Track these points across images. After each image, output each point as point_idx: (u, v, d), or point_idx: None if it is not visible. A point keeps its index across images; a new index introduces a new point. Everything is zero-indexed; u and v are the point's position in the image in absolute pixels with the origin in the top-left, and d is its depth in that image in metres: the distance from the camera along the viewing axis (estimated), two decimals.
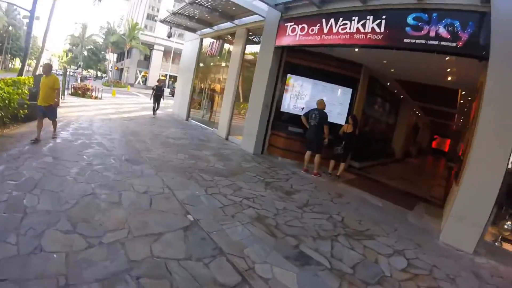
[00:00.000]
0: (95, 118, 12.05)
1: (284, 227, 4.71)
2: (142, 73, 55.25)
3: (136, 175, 5.92)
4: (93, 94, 21.41)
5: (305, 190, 6.91)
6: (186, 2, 11.09)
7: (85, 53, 66.77)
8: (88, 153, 6.96)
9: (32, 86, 12.54)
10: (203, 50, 15.42)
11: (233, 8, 10.82)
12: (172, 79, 53.30)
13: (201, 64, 15.43)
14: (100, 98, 21.16)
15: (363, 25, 7.13)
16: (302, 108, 9.88)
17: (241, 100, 12.00)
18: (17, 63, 61.69)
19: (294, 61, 9.93)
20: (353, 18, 7.34)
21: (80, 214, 4.06)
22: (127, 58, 53.02)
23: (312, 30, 8.32)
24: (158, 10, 54.16)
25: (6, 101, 8.85)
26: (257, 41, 11.83)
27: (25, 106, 9.93)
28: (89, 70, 78.00)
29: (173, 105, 17.95)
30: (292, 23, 9.01)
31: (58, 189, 4.68)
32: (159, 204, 4.78)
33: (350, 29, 7.41)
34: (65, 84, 18.19)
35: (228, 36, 13.50)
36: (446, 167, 18.53)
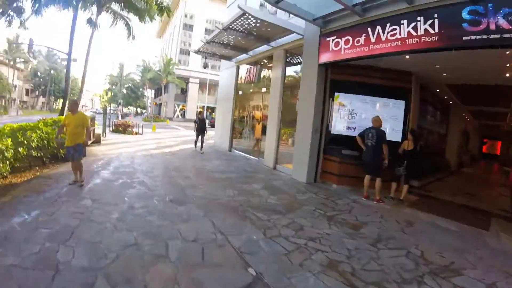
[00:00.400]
0: (136, 155, 11.89)
1: (362, 273, 3.95)
2: (180, 106, 56.92)
3: (182, 219, 5.32)
4: (134, 130, 21.87)
5: (372, 222, 6.01)
6: (219, 29, 10.83)
7: (124, 91, 70.49)
8: (130, 194, 6.54)
9: None
10: (241, 77, 15.16)
11: (268, 29, 10.40)
12: (210, 110, 54.58)
13: (240, 92, 15.11)
14: (140, 134, 21.50)
15: (415, 28, 6.35)
16: (354, 128, 9.09)
17: (286, 125, 11.36)
18: (60, 104, 65.98)
19: (340, 78, 9.22)
20: (402, 22, 6.60)
21: (120, 271, 3.47)
22: (164, 93, 55.05)
23: (358, 41, 7.64)
24: (190, 45, 56.18)
25: (45, 141, 8.81)
26: (296, 62, 11.33)
27: (65, 145, 9.84)
28: (129, 107, 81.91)
29: (214, 136, 17.68)
30: (334, 37, 8.39)
31: (96, 239, 4.17)
32: (212, 255, 4.09)
33: (400, 34, 6.64)
34: (106, 122, 18.59)
35: (264, 60, 13.17)
36: (502, 172, 17.79)
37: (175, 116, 56.26)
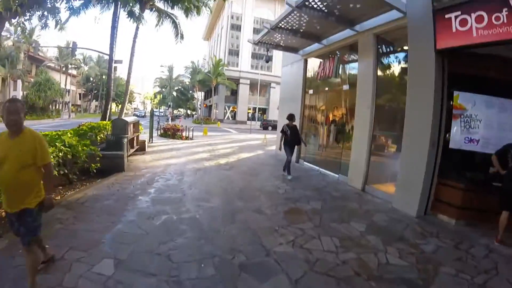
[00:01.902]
0: (186, 168, 9.66)
1: None
2: (231, 108, 55.51)
3: None
4: (184, 134, 19.91)
5: None
6: (291, 6, 8.10)
7: (174, 93, 70.54)
8: (175, 248, 4.14)
9: (109, 132, 10.80)
10: (310, 73, 12.36)
11: (357, 5, 7.63)
12: (261, 112, 52.50)
13: (311, 91, 12.25)
14: (191, 138, 19.57)
15: None
16: (477, 141, 6.25)
17: (380, 132, 8.53)
18: (113, 107, 67.77)
19: (460, 71, 6.45)
20: None
21: None
22: (214, 95, 54.08)
23: (498, 18, 5.04)
24: (237, 46, 54.98)
25: (69, 156, 6.70)
26: (391, 51, 8.59)
27: (97, 158, 7.78)
28: (179, 109, 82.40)
29: (277, 141, 15.01)
30: (458, 13, 5.68)
31: None
32: None
33: None
34: (152, 126, 16.71)
35: (337, 52, 10.36)
36: None
37: (226, 118, 55.08)
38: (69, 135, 8.19)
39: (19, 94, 41.88)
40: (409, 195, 6.62)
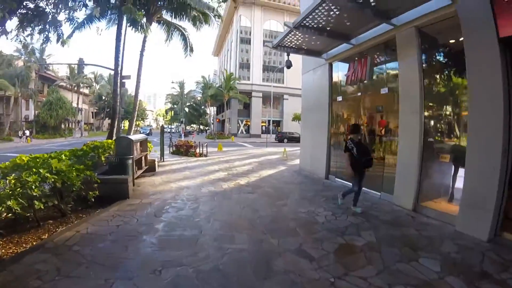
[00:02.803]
0: (201, 193, 8.28)
1: None
2: (244, 122, 54.44)
3: None
4: (197, 150, 18.64)
5: None
6: None
7: (186, 109, 69.99)
8: None
9: (111, 152, 9.54)
10: (336, 78, 10.96)
11: None
12: (275, 124, 51.17)
13: (339, 98, 10.81)
14: (205, 155, 18.25)
15: None
16: None
17: (429, 141, 7.12)
18: (126, 124, 67.61)
19: None
20: None
21: None
22: (227, 109, 53.14)
23: None
24: (248, 60, 54.29)
25: (58, 184, 5.43)
26: (436, 45, 7.33)
27: (95, 185, 6.50)
28: (192, 125, 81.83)
29: (300, 156, 13.53)
30: None
31: None
32: None
33: None
34: (163, 143, 15.45)
35: (369, 52, 8.97)
36: None
37: (239, 132, 53.84)
38: (64, 157, 6.97)
39: (31, 113, 42.03)
40: (477, 215, 5.35)
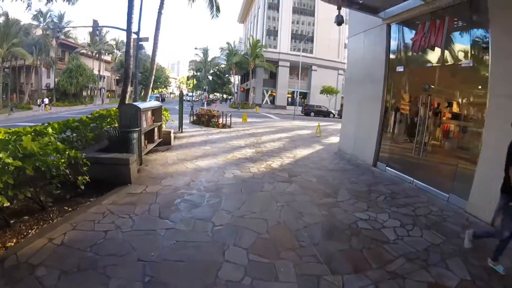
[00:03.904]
0: (224, 178, 6.54)
1: None
2: (269, 92, 52.02)
3: None
4: (220, 121, 16.91)
5: None
6: None
7: (210, 77, 67.88)
8: None
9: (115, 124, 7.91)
10: (396, 43, 8.68)
11: None
12: (301, 96, 48.56)
13: (399, 68, 8.53)
14: (229, 126, 16.48)
15: None
16: None
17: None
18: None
19: None
20: None
21: None
22: (252, 78, 50.73)
23: None
24: (275, 28, 51.27)
25: (29, 172, 3.85)
26: None
27: (84, 168, 4.85)
28: (215, 93, 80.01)
29: (341, 135, 11.45)
30: None
31: None
32: None
33: None
34: (182, 113, 13.71)
35: (446, 12, 6.67)
36: None
37: (264, 103, 51.48)
38: (51, 130, 5.35)
39: (52, 81, 41.31)
40: None
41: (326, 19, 50.40)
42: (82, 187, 4.73)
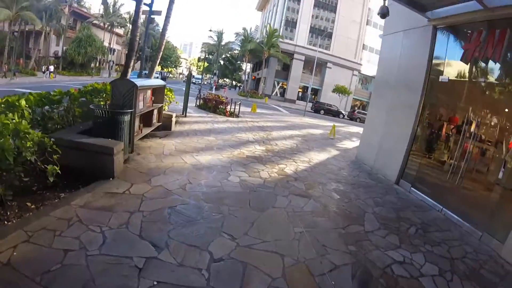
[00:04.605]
0: (228, 184, 5.43)
1: None
2: (280, 84, 50.62)
3: None
4: (228, 108, 15.81)
5: None
6: None
7: (221, 62, 66.37)
8: None
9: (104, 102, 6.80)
10: (442, 49, 7.42)
11: None
12: (312, 92, 47.17)
13: (443, 78, 7.26)
14: (236, 115, 15.35)
15: None
16: None
17: None
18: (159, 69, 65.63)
19: None
20: None
21: None
22: (264, 68, 49.28)
23: None
24: (294, 19, 49.67)
25: None
26: None
27: (55, 156, 3.77)
28: (224, 79, 78.68)
29: (361, 142, 10.29)
30: None
31: None
32: None
33: None
34: (188, 95, 12.55)
35: (503, 22, 5.51)
36: None
37: (273, 94, 50.16)
38: (23, 103, 4.29)
39: (60, 49, 40.18)
40: None
41: (348, 18, 48.99)
42: (51, 179, 3.68)
